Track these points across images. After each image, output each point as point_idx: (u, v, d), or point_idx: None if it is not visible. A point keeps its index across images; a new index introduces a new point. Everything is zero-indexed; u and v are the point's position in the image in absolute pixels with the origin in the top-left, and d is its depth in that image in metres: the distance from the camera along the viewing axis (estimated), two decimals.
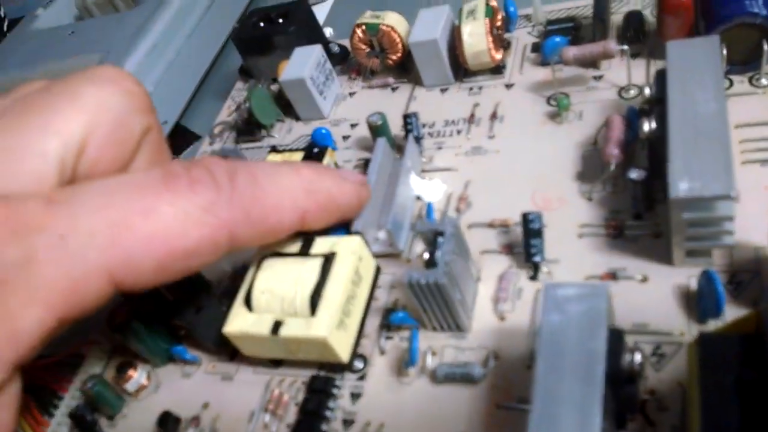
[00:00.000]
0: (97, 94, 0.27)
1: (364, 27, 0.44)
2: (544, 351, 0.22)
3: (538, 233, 0.30)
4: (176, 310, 0.33)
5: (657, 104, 0.31)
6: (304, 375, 0.32)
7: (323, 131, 0.41)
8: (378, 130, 0.38)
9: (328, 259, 0.31)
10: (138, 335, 0.34)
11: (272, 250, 0.32)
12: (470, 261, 0.31)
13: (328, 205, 0.30)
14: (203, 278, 0.36)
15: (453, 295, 0.29)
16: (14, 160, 0.24)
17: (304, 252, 0.32)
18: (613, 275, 0.30)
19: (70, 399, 0.35)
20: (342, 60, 0.50)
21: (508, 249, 0.33)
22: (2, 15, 0.80)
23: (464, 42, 0.40)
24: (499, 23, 0.41)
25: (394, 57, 0.45)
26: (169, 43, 0.57)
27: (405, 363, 0.30)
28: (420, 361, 0.30)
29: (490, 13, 0.41)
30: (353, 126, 0.45)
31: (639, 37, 0.40)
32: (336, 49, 0.50)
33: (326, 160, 0.38)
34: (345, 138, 0.44)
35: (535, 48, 0.43)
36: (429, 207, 0.36)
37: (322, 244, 0.32)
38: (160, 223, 0.24)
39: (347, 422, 0.30)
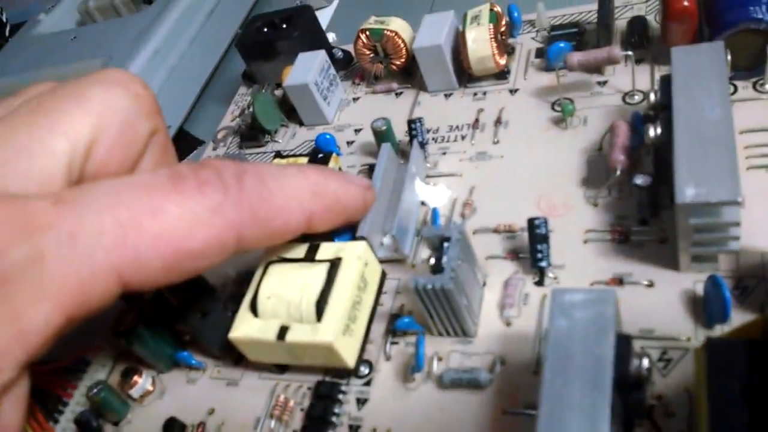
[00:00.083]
0: (105, 96, 0.27)
1: (368, 32, 0.44)
2: (551, 356, 0.22)
3: (544, 239, 0.30)
4: (181, 316, 0.33)
5: (662, 110, 0.31)
6: (309, 380, 0.32)
7: (327, 136, 0.42)
8: (382, 135, 0.39)
9: (334, 265, 0.31)
10: (143, 341, 0.34)
11: (278, 256, 0.32)
12: (476, 266, 0.31)
13: (334, 207, 0.30)
14: (208, 283, 0.36)
15: (459, 300, 0.29)
16: (23, 160, 0.24)
17: (310, 257, 0.32)
18: (619, 281, 0.30)
19: (75, 404, 0.35)
20: (346, 65, 0.50)
21: (514, 254, 0.33)
22: (4, 20, 0.81)
23: (468, 47, 0.40)
24: (503, 29, 0.42)
25: (398, 62, 0.45)
26: (172, 48, 0.57)
27: (411, 368, 0.30)
28: (426, 367, 0.30)
29: (495, 18, 0.41)
30: (357, 131, 0.45)
31: (643, 43, 0.40)
32: (340, 54, 0.50)
33: (330, 165, 0.38)
34: (349, 143, 0.44)
35: (540, 53, 0.43)
36: (434, 212, 0.36)
37: (327, 250, 0.32)
38: (167, 223, 0.24)
39: (353, 428, 0.30)
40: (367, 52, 0.46)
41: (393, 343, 0.32)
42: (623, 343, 0.22)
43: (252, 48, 0.50)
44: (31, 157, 0.24)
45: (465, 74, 0.43)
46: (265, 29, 0.50)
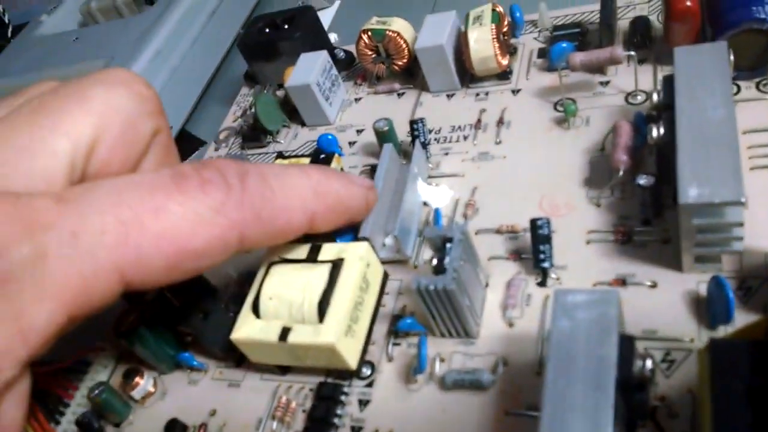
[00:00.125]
0: (108, 96, 0.27)
1: (370, 33, 0.44)
2: (554, 357, 0.22)
3: (546, 239, 0.30)
4: (183, 317, 0.33)
5: (665, 110, 0.31)
6: (311, 382, 0.32)
7: (329, 137, 0.41)
8: (384, 135, 0.38)
9: (336, 266, 0.31)
10: (144, 341, 0.34)
11: (280, 257, 0.32)
12: (478, 267, 0.31)
13: (336, 207, 0.30)
14: (210, 284, 0.36)
15: (461, 301, 0.29)
16: (24, 160, 0.24)
17: (312, 258, 0.32)
18: (622, 281, 0.30)
19: (77, 406, 0.35)
20: (348, 66, 0.50)
21: (516, 255, 0.33)
22: (6, 21, 0.81)
23: (471, 48, 0.40)
24: (505, 29, 0.42)
25: (400, 63, 0.45)
26: (174, 48, 0.57)
27: (413, 369, 0.30)
28: (428, 368, 0.30)
29: (497, 18, 0.41)
30: (359, 132, 0.45)
31: (646, 43, 0.40)
32: (342, 54, 0.50)
33: (332, 166, 0.38)
34: (351, 144, 0.44)
35: (542, 53, 0.43)
36: (436, 213, 0.36)
37: (329, 251, 0.32)
38: (170, 223, 0.24)
39: (355, 429, 0.30)
40: (369, 53, 0.45)
41: (395, 344, 0.32)
42: (626, 344, 0.22)
43: (254, 48, 0.50)
44: (32, 156, 0.24)
45: (467, 74, 0.43)
46: (267, 30, 0.50)
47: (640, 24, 0.40)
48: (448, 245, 0.29)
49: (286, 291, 0.30)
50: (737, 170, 0.25)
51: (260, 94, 0.48)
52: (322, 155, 0.39)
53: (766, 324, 0.21)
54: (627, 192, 0.33)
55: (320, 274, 0.30)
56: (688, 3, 0.35)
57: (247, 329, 0.31)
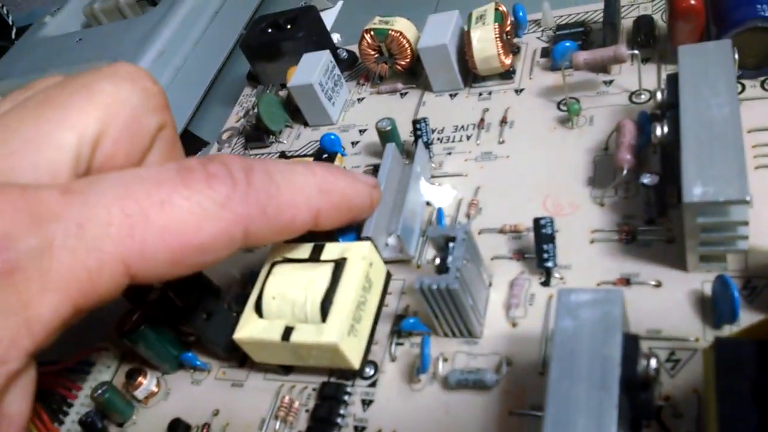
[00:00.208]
0: (114, 90, 0.27)
1: (372, 32, 0.44)
2: (558, 357, 0.22)
3: (550, 238, 0.30)
4: (186, 316, 0.33)
5: (669, 109, 0.31)
6: (314, 381, 0.32)
7: (332, 137, 0.41)
8: (387, 135, 0.38)
9: (339, 265, 0.31)
10: (148, 341, 0.34)
11: (283, 256, 0.32)
12: (482, 267, 0.31)
13: (341, 204, 0.30)
14: (212, 284, 0.36)
15: (465, 300, 0.28)
16: (31, 152, 0.24)
17: (315, 258, 0.32)
18: (626, 281, 0.30)
19: (80, 405, 0.35)
20: (350, 66, 0.50)
21: (520, 254, 0.33)
22: (10, 22, 0.81)
23: (474, 47, 0.40)
24: (508, 28, 0.41)
25: (402, 62, 0.45)
26: (177, 49, 0.57)
27: (416, 369, 0.30)
28: (431, 368, 0.30)
29: (500, 18, 0.41)
30: (362, 132, 0.45)
31: (650, 42, 0.40)
32: (344, 54, 0.50)
33: None
34: (354, 144, 0.44)
35: (545, 53, 0.43)
36: (439, 212, 0.36)
37: (332, 250, 0.32)
38: (175, 216, 0.24)
39: (358, 429, 0.30)
40: (372, 53, 0.45)
41: (398, 343, 0.32)
42: (630, 343, 0.22)
43: (256, 49, 0.50)
44: (38, 149, 0.25)
45: (470, 74, 0.43)
46: (270, 30, 0.50)
47: (644, 23, 0.40)
48: (451, 245, 0.29)
49: (289, 290, 0.30)
50: (742, 169, 0.25)
51: (263, 94, 0.48)
52: (324, 155, 0.39)
53: None
54: (631, 191, 0.33)
55: (323, 273, 0.30)
56: (692, 1, 0.35)
57: (249, 329, 0.31)
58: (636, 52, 0.37)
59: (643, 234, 0.31)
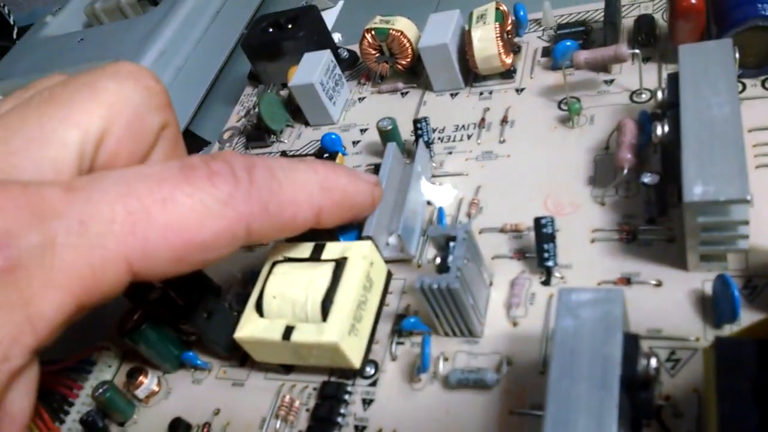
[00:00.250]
0: (117, 89, 0.27)
1: (373, 32, 0.44)
2: (558, 356, 0.22)
3: (551, 238, 0.30)
4: (187, 316, 0.33)
5: (669, 108, 0.31)
6: (315, 381, 0.32)
7: (333, 136, 0.42)
8: (388, 135, 0.38)
9: (340, 264, 0.31)
10: (148, 341, 0.34)
11: (283, 256, 0.32)
12: (482, 266, 0.31)
13: (342, 202, 0.30)
14: (213, 283, 0.36)
15: (465, 300, 0.28)
16: (34, 150, 0.24)
17: (316, 257, 0.32)
18: (626, 280, 0.30)
19: (81, 405, 0.35)
20: (351, 65, 0.50)
21: (520, 254, 0.33)
22: (12, 22, 0.81)
23: (474, 46, 0.40)
24: (509, 27, 0.41)
25: (403, 62, 0.45)
26: (178, 49, 0.57)
27: (417, 369, 0.30)
28: (432, 367, 0.30)
29: (500, 17, 0.41)
30: (363, 131, 0.45)
31: (650, 41, 0.40)
32: (345, 54, 0.50)
33: None
34: (355, 143, 0.44)
35: (546, 52, 0.43)
36: (440, 212, 0.36)
37: (333, 249, 0.32)
38: (177, 214, 0.24)
39: (359, 428, 0.30)
40: (373, 52, 0.45)
41: (399, 343, 0.32)
42: (631, 342, 0.22)
43: (257, 48, 0.50)
44: (41, 146, 0.25)
45: (471, 73, 0.43)
46: (271, 29, 0.50)
47: (645, 22, 0.40)
48: (451, 244, 0.29)
49: (290, 290, 0.30)
50: (743, 168, 0.25)
51: (264, 93, 0.48)
52: (325, 154, 0.39)
53: None
54: (632, 190, 0.33)
55: (324, 272, 0.30)
56: (693, 0, 0.35)
57: (250, 328, 0.31)
58: (637, 51, 0.37)
59: (643, 233, 0.31)
